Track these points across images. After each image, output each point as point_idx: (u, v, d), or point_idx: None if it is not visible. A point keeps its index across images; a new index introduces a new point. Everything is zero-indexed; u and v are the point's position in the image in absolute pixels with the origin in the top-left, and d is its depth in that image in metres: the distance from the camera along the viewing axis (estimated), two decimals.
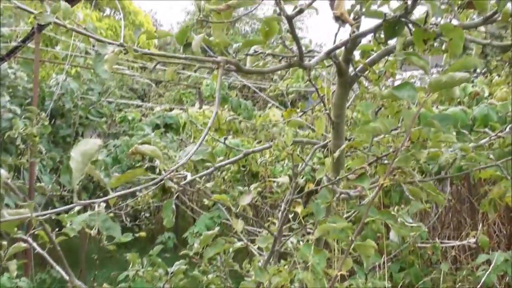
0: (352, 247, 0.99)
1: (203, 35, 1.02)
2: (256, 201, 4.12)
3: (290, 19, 1.00)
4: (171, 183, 1.05)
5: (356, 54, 1.85)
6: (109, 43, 0.85)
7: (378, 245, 3.63)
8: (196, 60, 1.00)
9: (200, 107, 5.74)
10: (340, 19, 1.03)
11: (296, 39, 1.08)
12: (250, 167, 5.52)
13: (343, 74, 1.59)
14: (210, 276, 2.31)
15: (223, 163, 1.60)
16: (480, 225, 3.60)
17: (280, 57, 1.21)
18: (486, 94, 3.44)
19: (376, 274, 2.94)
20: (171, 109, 5.10)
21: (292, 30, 1.04)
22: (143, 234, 3.78)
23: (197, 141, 5.01)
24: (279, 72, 8.52)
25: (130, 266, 1.77)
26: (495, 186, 1.34)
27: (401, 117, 1.28)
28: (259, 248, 1.79)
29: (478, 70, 7.36)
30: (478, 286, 2.36)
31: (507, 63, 5.94)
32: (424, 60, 0.94)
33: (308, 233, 1.29)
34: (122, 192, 0.83)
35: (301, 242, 1.41)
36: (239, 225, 1.29)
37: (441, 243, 3.48)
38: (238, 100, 5.37)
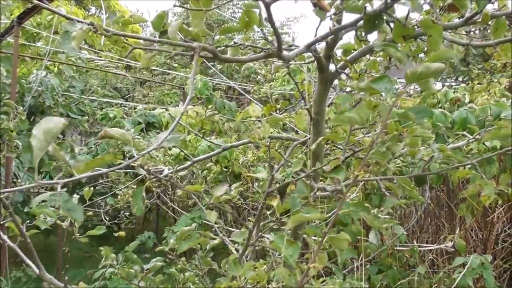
0: (325, 240, 0.98)
1: (180, 21, 1.00)
2: (237, 202, 4.09)
3: (268, 5, 0.99)
4: (142, 170, 1.03)
5: (340, 53, 1.85)
6: (78, 21, 0.82)
7: (357, 247, 3.64)
8: (170, 44, 0.98)
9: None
10: (317, 5, 1.02)
11: (274, 28, 1.07)
12: (232, 168, 5.50)
13: (323, 70, 1.58)
14: (187, 274, 2.28)
15: (201, 157, 1.58)
16: (458, 229, 3.64)
17: (260, 49, 1.19)
18: (467, 100, 3.50)
19: (354, 275, 2.95)
20: (154, 108, 5.05)
21: (270, 18, 1.03)
22: (122, 233, 3.72)
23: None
24: (264, 73, 8.56)
25: (103, 260, 1.72)
26: (470, 184, 1.35)
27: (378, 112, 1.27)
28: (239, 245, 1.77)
29: (460, 79, 7.51)
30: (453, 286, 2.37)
31: (488, 71, 6.07)
32: (402, 52, 0.93)
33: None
34: (89, 174, 0.80)
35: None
36: (212, 216, 1.27)
37: (419, 246, 3.52)
38: (222, 101, 5.36)
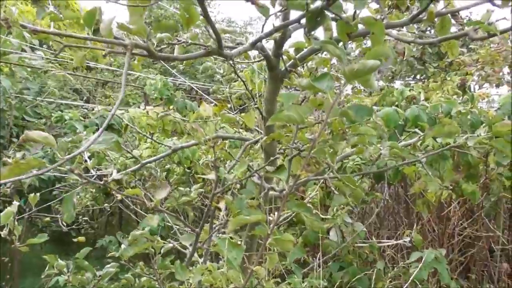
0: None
1: (113, 18, 0.96)
2: (197, 203, 4.03)
3: (201, 1, 0.95)
4: (74, 175, 0.98)
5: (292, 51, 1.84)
6: None
7: (320, 245, 3.64)
8: (101, 42, 0.93)
9: (144, 108, 5.59)
10: (252, 3, 1.00)
11: (211, 25, 1.04)
12: (195, 169, 5.42)
13: (273, 68, 1.57)
14: (143, 279, 2.22)
15: (151, 159, 1.53)
16: (415, 224, 3.74)
17: (203, 46, 1.16)
18: (422, 98, 3.58)
19: (314, 273, 2.96)
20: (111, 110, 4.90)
21: (205, 13, 1.00)
22: (82, 238, 3.58)
23: (141, 143, 4.80)
24: (223, 73, 8.49)
25: (47, 268, 1.64)
26: (417, 181, 1.37)
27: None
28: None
29: (418, 77, 7.73)
30: (407, 283, 2.42)
31: (443, 70, 6.27)
32: (341, 49, 0.93)
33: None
34: (13, 179, 0.75)
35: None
36: (154, 220, 1.23)
37: (379, 242, 3.58)
38: (184, 101, 5.28)
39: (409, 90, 3.47)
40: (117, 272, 2.27)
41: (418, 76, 6.98)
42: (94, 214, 7.09)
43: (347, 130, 1.05)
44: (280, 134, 1.06)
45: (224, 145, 1.42)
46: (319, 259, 3.71)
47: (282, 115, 0.87)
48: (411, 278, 2.35)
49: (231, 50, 1.16)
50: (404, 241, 3.43)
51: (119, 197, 1.13)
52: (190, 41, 1.19)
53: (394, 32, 1.66)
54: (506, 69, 4.31)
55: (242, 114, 1.85)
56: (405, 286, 2.83)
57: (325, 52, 1.81)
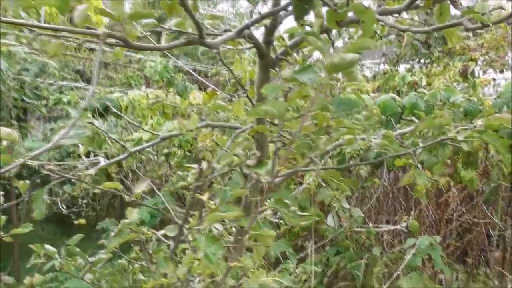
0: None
1: (87, 6, 0.92)
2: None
3: None
4: (46, 170, 0.96)
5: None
6: None
7: (317, 230, 3.66)
8: (72, 32, 0.90)
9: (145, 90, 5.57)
10: None
11: (188, 11, 1.00)
12: (195, 152, 5.42)
13: (263, 56, 1.53)
14: (136, 265, 2.23)
15: (138, 148, 1.51)
16: (413, 210, 3.73)
17: (189, 34, 1.12)
18: (424, 83, 3.53)
19: (310, 258, 2.97)
20: (112, 92, 4.87)
21: (182, 1, 0.96)
22: (82, 221, 3.61)
23: (144, 124, 4.78)
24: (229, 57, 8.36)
25: (33, 258, 1.65)
26: (406, 174, 1.34)
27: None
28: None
29: (422, 61, 7.61)
30: (400, 268, 2.43)
31: (447, 54, 6.16)
32: (322, 41, 0.89)
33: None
34: None
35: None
36: (133, 214, 1.22)
37: (377, 227, 3.58)
38: (184, 83, 5.23)
39: (411, 76, 3.41)
40: (112, 257, 2.28)
41: (422, 60, 6.87)
42: (96, 196, 7.14)
43: (332, 123, 1.02)
44: (263, 127, 1.03)
45: (211, 134, 1.39)
46: (314, 244, 3.73)
47: (260, 110, 0.85)
48: (403, 264, 2.35)
49: (215, 38, 1.12)
50: (401, 227, 3.43)
51: (97, 190, 1.12)
52: (174, 29, 1.16)
53: (390, 19, 1.61)
54: (510, 54, 4.22)
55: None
56: (400, 271, 2.84)
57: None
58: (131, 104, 4.96)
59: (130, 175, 4.97)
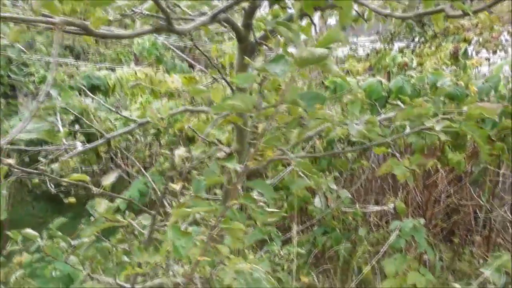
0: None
1: None
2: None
3: None
4: (5, 165, 0.93)
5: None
6: None
7: (306, 209, 3.67)
8: (27, 21, 0.86)
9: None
10: None
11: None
12: (186, 132, 5.39)
13: (242, 39, 1.49)
14: (120, 248, 2.23)
15: (115, 133, 1.48)
16: (400, 191, 3.75)
17: (159, 18, 1.08)
18: (414, 64, 3.48)
19: (294, 239, 3.00)
20: (99, 69, 4.78)
21: None
22: (72, 200, 3.60)
23: (134, 103, 4.69)
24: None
25: (9, 244, 1.64)
26: (384, 163, 1.33)
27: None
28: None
29: (416, 39, 7.53)
30: (383, 249, 2.45)
31: (441, 34, 6.09)
32: (294, 31, 0.86)
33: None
34: None
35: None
36: (102, 205, 1.20)
37: (363, 208, 3.60)
38: (174, 61, 5.14)
39: (401, 57, 3.36)
40: (96, 240, 2.27)
41: (417, 39, 6.79)
42: (88, 174, 7.13)
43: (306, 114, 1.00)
44: (236, 118, 1.00)
45: (188, 121, 1.36)
46: (302, 224, 3.76)
47: (226, 104, 0.82)
48: (386, 245, 2.37)
49: (187, 24, 1.08)
50: (389, 208, 3.46)
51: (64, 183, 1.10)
52: (146, 13, 1.11)
53: (373, 5, 1.57)
54: (505, 35, 4.17)
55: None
56: (384, 252, 2.88)
57: (304, 21, 1.72)
58: (119, 82, 4.88)
59: (119, 154, 4.94)
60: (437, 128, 1.19)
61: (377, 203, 4.10)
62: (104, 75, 4.68)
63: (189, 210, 0.93)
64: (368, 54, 5.87)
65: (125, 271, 1.26)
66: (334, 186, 3.55)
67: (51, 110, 2.53)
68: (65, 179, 1.16)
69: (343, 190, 3.48)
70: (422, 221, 2.80)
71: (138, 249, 1.18)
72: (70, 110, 3.92)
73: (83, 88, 4.28)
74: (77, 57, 9.40)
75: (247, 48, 1.51)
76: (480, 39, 4.07)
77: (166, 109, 1.15)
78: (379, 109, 2.00)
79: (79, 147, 1.45)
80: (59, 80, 4.27)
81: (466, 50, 4.06)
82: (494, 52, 4.00)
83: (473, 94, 2.11)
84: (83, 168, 5.04)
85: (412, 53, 4.61)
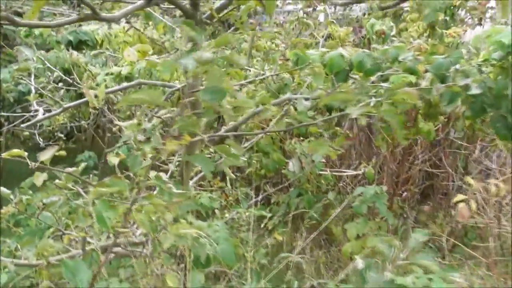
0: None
1: None
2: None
3: None
4: None
5: None
6: None
7: (281, 172, 3.81)
8: None
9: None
10: None
11: None
12: None
13: (190, 17, 1.54)
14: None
15: (71, 104, 1.58)
16: (374, 157, 3.86)
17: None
18: (393, 33, 3.47)
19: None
20: (80, 25, 4.75)
21: None
22: (62, 153, 3.74)
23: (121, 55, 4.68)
24: None
25: None
26: (309, 143, 1.42)
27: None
28: None
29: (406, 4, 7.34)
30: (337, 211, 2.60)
31: None
32: (198, 31, 0.92)
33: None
34: None
35: None
36: (40, 178, 1.32)
37: (335, 172, 3.74)
38: (163, 18, 5.09)
39: (380, 25, 3.35)
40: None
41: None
42: (82, 127, 7.22)
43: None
44: (164, 102, 1.09)
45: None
46: (275, 187, 3.92)
47: (131, 98, 0.90)
48: (340, 206, 2.52)
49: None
50: (358, 173, 3.60)
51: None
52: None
53: None
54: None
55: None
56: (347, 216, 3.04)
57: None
58: (107, 37, 4.89)
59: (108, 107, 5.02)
60: (354, 114, 1.27)
61: (355, 169, 4.23)
62: (92, 30, 4.69)
63: (105, 190, 1.04)
64: (349, 22, 5.72)
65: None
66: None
67: (26, 71, 2.60)
68: (4, 154, 1.27)
69: (317, 155, 3.59)
70: (385, 188, 2.94)
71: (82, 214, 1.31)
72: (54, 68, 3.98)
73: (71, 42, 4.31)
74: (74, 6, 9.25)
75: (196, 25, 1.56)
76: (467, 6, 4.01)
77: (102, 90, 1.22)
78: (336, 83, 2.06)
79: (41, 114, 1.54)
80: (45, 34, 4.29)
81: (453, 15, 4.01)
82: (480, 22, 3.95)
83: (420, 73, 2.16)
84: (71, 125, 5.16)
85: (400, 18, 4.57)
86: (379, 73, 2.22)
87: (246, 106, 1.09)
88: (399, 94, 1.28)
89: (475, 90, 2.05)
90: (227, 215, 3.18)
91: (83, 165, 1.96)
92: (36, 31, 4.21)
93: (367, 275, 1.29)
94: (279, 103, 1.68)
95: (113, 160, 1.19)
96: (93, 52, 5.02)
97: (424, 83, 2.28)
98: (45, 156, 1.23)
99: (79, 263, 1.15)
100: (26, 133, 5.03)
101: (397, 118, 1.26)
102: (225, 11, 1.55)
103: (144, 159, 1.15)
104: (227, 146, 1.06)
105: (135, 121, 1.18)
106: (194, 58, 0.96)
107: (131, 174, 1.18)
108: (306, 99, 1.47)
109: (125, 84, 1.58)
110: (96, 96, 1.22)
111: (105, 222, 1.05)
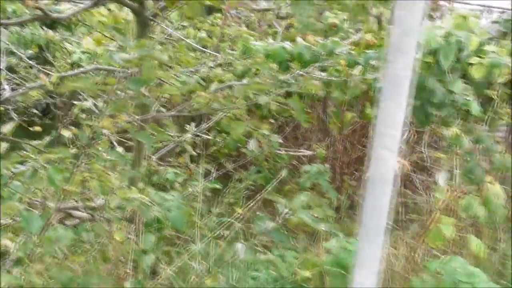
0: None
1: None
2: None
3: None
4: None
5: None
6: None
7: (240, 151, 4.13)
8: None
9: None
10: None
11: None
12: None
13: (137, 14, 1.81)
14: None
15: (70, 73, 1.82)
16: (327, 139, 4.20)
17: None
18: (346, 25, 3.74)
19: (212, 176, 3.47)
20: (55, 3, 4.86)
21: None
22: (38, 128, 3.96)
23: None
24: None
25: None
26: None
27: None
28: None
29: None
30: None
31: None
32: (118, 29, 1.20)
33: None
34: None
35: None
36: (2, 146, 1.58)
37: (290, 152, 4.08)
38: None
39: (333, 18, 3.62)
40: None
41: None
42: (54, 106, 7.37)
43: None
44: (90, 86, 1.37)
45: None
46: (235, 163, 4.23)
47: (71, 85, 1.18)
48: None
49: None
50: (309, 153, 3.94)
51: None
52: None
53: None
54: None
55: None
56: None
57: None
58: (81, 18, 5.04)
59: None
60: (261, 101, 1.57)
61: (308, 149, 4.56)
62: (65, 9, 4.83)
63: (50, 155, 1.32)
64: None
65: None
66: (266, 132, 3.98)
67: None
68: None
69: (274, 136, 3.91)
70: (328, 166, 3.28)
71: (32, 174, 1.58)
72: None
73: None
74: None
75: (144, 21, 1.83)
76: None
77: (55, 76, 1.48)
78: (281, 71, 2.35)
79: (7, 93, 1.79)
80: (19, 12, 4.42)
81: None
82: (430, 17, 4.23)
83: (342, 68, 2.46)
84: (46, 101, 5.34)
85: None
86: (317, 64, 2.52)
87: (173, 93, 1.37)
88: (309, 86, 1.57)
89: None
90: (190, 189, 3.49)
91: (47, 138, 2.22)
92: (9, 9, 4.35)
93: None
94: (220, 89, 1.96)
95: (66, 133, 1.47)
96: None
97: (355, 73, 2.60)
98: (6, 128, 1.49)
99: (33, 214, 1.43)
100: (1, 108, 5.17)
101: (299, 105, 1.55)
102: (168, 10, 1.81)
103: (92, 134, 1.43)
104: (156, 126, 1.35)
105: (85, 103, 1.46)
106: (119, 56, 1.24)
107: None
108: (230, 87, 1.76)
109: (82, 69, 1.83)
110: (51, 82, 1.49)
111: (55, 183, 1.33)
